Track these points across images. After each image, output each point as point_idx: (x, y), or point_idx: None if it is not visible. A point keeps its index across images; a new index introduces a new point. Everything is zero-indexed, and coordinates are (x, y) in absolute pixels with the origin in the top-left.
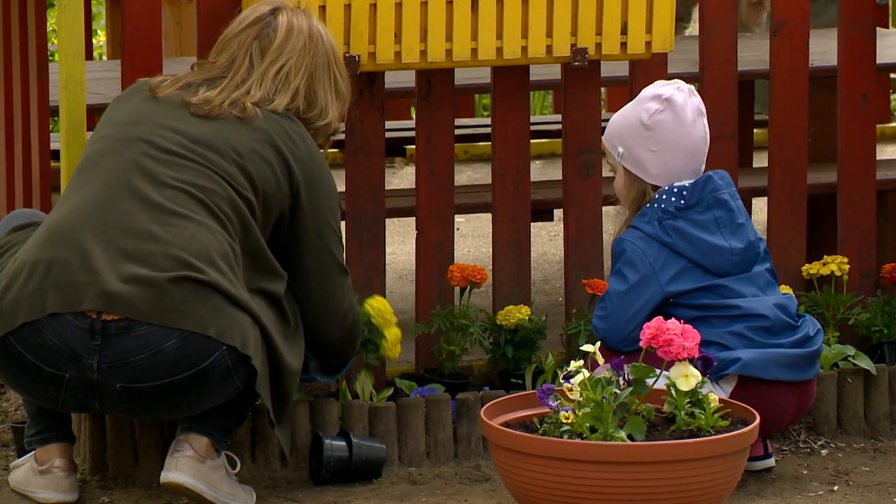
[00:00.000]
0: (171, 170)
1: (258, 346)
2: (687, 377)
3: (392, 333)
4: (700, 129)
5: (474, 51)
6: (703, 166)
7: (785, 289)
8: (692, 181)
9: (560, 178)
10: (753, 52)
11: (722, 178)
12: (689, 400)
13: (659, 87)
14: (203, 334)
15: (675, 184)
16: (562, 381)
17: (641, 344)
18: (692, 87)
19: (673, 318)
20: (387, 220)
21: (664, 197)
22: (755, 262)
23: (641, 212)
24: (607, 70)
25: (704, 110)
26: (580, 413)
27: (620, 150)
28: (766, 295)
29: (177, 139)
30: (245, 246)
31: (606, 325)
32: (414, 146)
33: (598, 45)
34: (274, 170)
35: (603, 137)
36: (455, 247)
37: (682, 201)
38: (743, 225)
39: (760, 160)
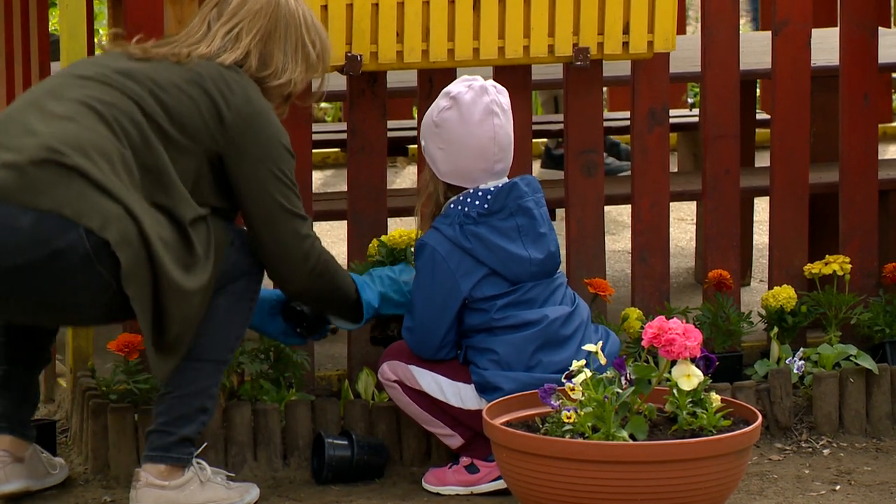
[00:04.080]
0: (79, 90)
1: (131, 241)
2: (689, 377)
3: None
4: (487, 129)
5: (476, 50)
6: (502, 165)
7: (787, 290)
8: (497, 186)
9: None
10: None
11: (528, 184)
12: (690, 399)
13: (454, 84)
14: (59, 213)
15: (482, 187)
16: (564, 380)
17: (643, 344)
18: (493, 84)
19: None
20: (389, 219)
21: (469, 200)
22: (555, 271)
23: (445, 212)
24: (609, 70)
25: (503, 108)
26: (582, 412)
27: (423, 143)
28: (559, 304)
29: (99, 70)
30: (144, 159)
31: (413, 336)
32: (416, 146)
33: (601, 45)
34: (198, 106)
35: None
36: None
37: (486, 206)
38: (545, 234)
39: (762, 160)
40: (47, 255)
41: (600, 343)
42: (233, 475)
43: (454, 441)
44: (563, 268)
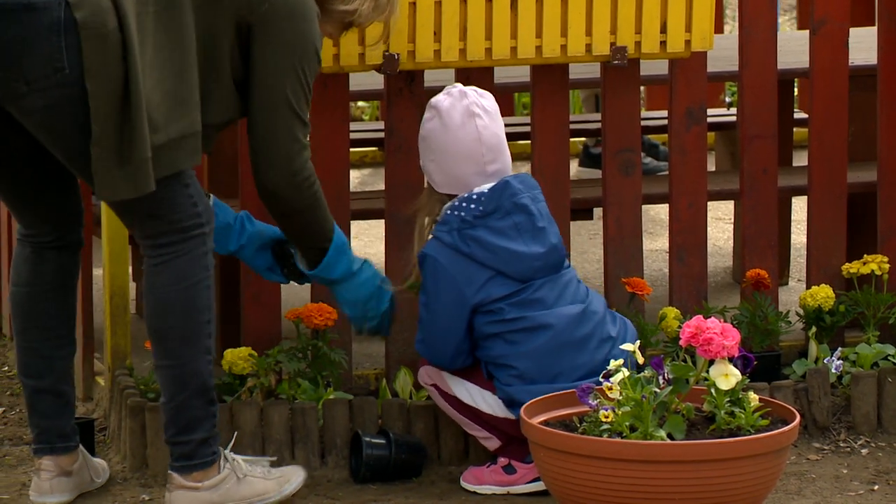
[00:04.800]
0: None
1: (103, 33)
2: (727, 376)
3: None
4: (471, 131)
5: (514, 49)
6: (496, 167)
7: (825, 290)
8: (491, 186)
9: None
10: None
11: (522, 181)
12: (729, 399)
13: (437, 95)
14: None
15: (476, 190)
16: (601, 379)
17: (681, 343)
18: (474, 88)
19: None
20: None
21: (463, 204)
22: (561, 264)
23: (443, 219)
24: (647, 69)
25: (485, 109)
26: (620, 412)
27: (420, 161)
28: (571, 302)
29: None
30: None
31: (426, 348)
32: None
33: (638, 44)
34: None
35: None
36: None
37: (481, 208)
38: (544, 228)
39: (800, 159)
40: (22, 5)
41: (638, 343)
42: (274, 459)
43: (492, 443)
44: (600, 267)
